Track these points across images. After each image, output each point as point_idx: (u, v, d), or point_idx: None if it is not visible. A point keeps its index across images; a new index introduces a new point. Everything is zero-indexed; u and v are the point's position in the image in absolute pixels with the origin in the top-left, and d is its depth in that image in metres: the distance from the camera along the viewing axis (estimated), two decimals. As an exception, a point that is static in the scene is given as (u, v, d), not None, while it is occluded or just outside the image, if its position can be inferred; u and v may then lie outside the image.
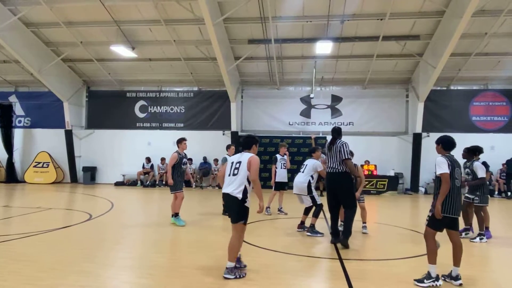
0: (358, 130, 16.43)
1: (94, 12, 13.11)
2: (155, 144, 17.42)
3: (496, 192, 15.01)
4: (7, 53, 15.16)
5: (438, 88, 16.14)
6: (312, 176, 7.31)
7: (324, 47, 13.40)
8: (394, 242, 6.83)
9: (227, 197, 4.63)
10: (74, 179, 17.63)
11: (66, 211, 9.88)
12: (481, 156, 7.23)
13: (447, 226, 4.48)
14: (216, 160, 16.41)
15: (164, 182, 15.71)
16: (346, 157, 6.21)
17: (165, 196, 12.09)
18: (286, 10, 12.64)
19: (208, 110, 17.55)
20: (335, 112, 16.86)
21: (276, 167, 9.80)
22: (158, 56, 15.90)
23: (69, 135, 17.37)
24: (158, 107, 18.04)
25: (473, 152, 7.10)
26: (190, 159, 16.06)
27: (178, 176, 7.94)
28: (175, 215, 7.89)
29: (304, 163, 7.57)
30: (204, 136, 17.11)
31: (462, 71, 15.34)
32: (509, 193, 14.70)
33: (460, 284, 4.37)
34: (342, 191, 6.30)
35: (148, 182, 16.78)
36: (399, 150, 16.35)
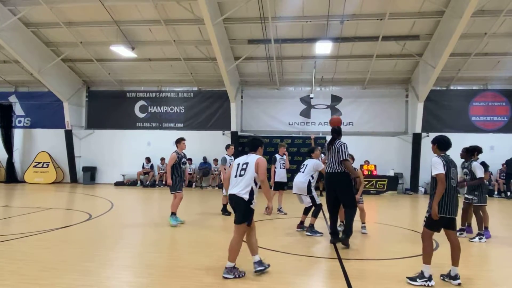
0: (358, 130, 16.45)
1: (94, 12, 13.12)
2: (155, 144, 17.43)
3: (496, 192, 15.01)
4: (7, 53, 15.17)
5: (438, 88, 16.15)
6: (312, 176, 7.33)
7: (323, 47, 13.41)
8: (394, 242, 6.83)
9: (233, 198, 4.63)
10: (74, 179, 17.64)
11: (66, 211, 9.89)
12: (480, 156, 7.23)
13: (444, 226, 4.49)
14: (215, 160, 16.41)
15: (164, 182, 15.72)
16: (345, 158, 6.22)
17: (165, 196, 12.10)
18: (285, 10, 12.65)
19: (208, 110, 17.56)
20: (334, 112, 16.86)
21: (275, 167, 9.82)
22: (158, 56, 15.91)
23: (69, 135, 17.38)
24: (158, 107, 18.05)
25: (471, 152, 7.08)
26: (190, 159, 16.08)
27: (178, 176, 7.94)
28: (172, 214, 7.90)
29: (304, 163, 7.58)
30: (203, 136, 17.12)
31: (461, 71, 15.36)
32: (508, 193, 14.70)
33: (459, 284, 4.38)
34: (342, 191, 6.30)
35: (148, 182, 16.79)
36: (398, 150, 16.37)
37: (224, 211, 9.23)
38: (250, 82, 17.35)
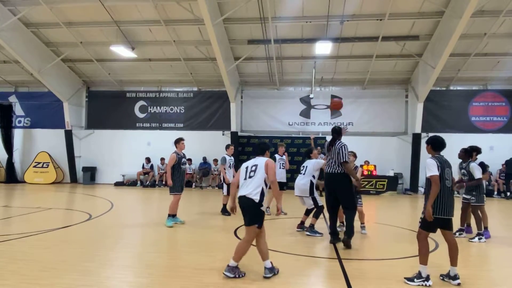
0: (358, 131, 16.44)
1: (94, 12, 13.13)
2: (155, 144, 17.42)
3: (496, 192, 15.01)
4: (7, 53, 15.17)
5: (438, 89, 16.16)
6: (313, 176, 7.32)
7: (323, 48, 13.42)
8: (393, 242, 6.84)
9: (243, 200, 4.62)
10: (74, 179, 17.63)
11: (66, 211, 9.89)
12: (480, 156, 7.23)
13: (440, 227, 4.49)
14: (215, 160, 16.41)
15: (164, 183, 15.73)
16: (345, 160, 6.21)
17: (165, 196, 12.08)
18: (285, 11, 12.65)
19: (208, 110, 17.56)
20: (334, 112, 16.87)
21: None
22: (158, 56, 15.92)
23: (69, 135, 17.38)
24: (158, 107, 18.05)
25: (470, 153, 7.07)
26: (190, 159, 16.08)
27: (178, 177, 7.92)
28: (171, 216, 7.90)
29: (304, 164, 7.57)
30: (203, 136, 17.12)
31: (461, 72, 15.36)
32: (508, 193, 14.71)
33: (459, 284, 4.38)
34: (341, 192, 6.30)
35: (147, 182, 16.79)
36: (398, 150, 16.37)
37: (224, 211, 9.23)
38: (250, 82, 17.36)
